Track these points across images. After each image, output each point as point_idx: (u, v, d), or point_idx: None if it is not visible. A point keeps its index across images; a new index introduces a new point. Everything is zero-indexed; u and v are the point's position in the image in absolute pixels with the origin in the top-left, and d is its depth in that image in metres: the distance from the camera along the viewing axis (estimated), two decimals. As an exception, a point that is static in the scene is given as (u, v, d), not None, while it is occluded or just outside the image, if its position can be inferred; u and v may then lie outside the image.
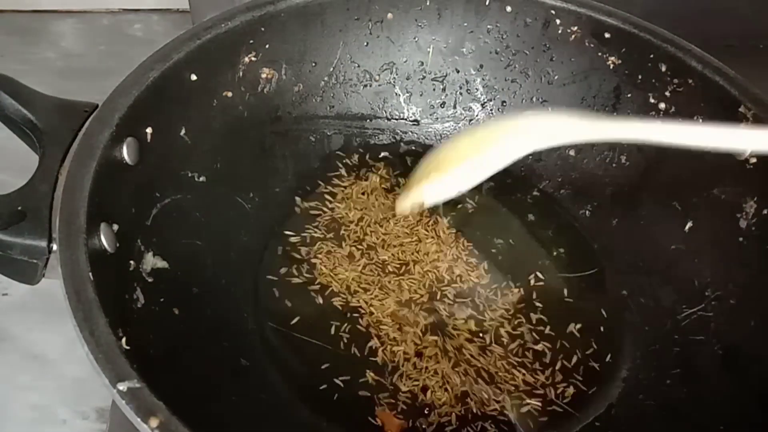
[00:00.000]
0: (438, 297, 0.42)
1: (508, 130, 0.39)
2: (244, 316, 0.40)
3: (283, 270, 0.43)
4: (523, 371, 0.39)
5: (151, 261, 0.35)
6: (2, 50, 0.63)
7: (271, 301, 0.41)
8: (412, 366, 0.39)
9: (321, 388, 0.38)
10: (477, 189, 0.48)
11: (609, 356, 0.40)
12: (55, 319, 0.45)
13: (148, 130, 0.36)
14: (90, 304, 0.27)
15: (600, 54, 0.45)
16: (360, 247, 0.44)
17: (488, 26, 0.47)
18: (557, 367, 0.39)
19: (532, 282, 0.43)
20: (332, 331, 0.40)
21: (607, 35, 0.44)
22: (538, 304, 0.42)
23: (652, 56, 0.43)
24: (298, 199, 0.46)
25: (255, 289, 0.41)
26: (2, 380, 0.42)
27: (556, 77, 0.47)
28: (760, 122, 0.38)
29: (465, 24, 0.47)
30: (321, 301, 0.41)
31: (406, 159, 0.50)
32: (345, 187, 0.48)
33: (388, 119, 0.50)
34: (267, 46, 0.43)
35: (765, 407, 0.35)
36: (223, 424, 0.33)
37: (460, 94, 0.50)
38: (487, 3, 0.46)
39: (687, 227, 0.43)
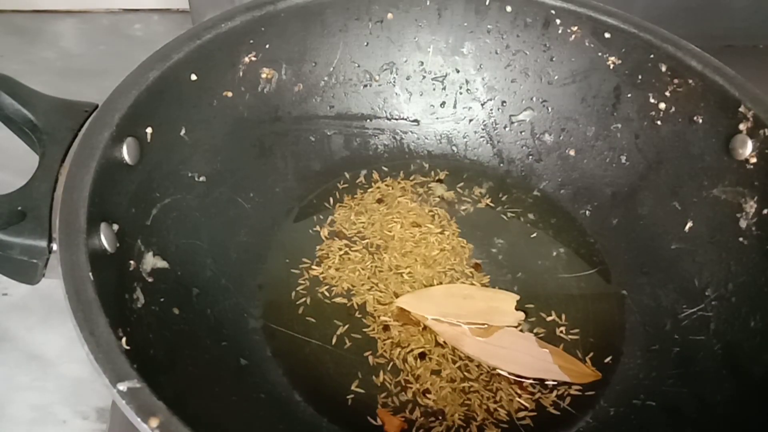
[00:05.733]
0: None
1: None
2: (244, 316, 0.40)
3: (283, 270, 0.43)
4: (523, 371, 0.39)
5: (151, 261, 0.35)
6: (2, 50, 0.63)
7: (272, 301, 0.41)
8: (414, 367, 0.39)
9: (321, 387, 0.38)
10: (477, 189, 0.48)
11: (609, 357, 0.40)
12: (55, 319, 0.45)
13: (148, 130, 0.36)
14: (90, 304, 0.27)
15: (600, 54, 0.45)
16: (363, 248, 0.44)
17: (488, 26, 0.47)
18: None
19: (532, 282, 0.43)
20: (334, 331, 0.40)
21: (607, 35, 0.44)
22: (537, 304, 0.42)
23: (652, 56, 0.43)
24: (299, 199, 0.46)
25: (255, 289, 0.41)
26: (2, 380, 0.42)
27: (556, 77, 0.47)
28: (760, 122, 0.38)
29: (465, 24, 0.47)
30: (323, 300, 0.41)
31: (407, 159, 0.50)
32: (348, 189, 0.48)
33: (388, 119, 0.50)
34: (267, 46, 0.43)
35: (766, 408, 0.35)
36: (223, 424, 0.33)
37: (460, 93, 0.50)
38: (487, 3, 0.46)
39: (687, 227, 0.43)
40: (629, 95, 0.45)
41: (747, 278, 0.39)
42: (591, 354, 0.40)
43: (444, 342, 0.40)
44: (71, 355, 0.43)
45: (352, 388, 0.38)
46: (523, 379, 0.39)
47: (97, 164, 0.31)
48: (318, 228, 0.45)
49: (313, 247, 0.44)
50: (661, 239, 0.44)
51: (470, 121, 0.50)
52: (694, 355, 0.39)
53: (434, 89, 0.50)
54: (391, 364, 0.39)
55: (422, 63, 0.49)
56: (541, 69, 0.47)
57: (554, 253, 0.45)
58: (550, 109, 0.48)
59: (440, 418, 0.37)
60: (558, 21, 0.45)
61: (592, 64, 0.46)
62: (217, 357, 0.36)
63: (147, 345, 0.32)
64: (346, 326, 0.40)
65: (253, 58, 0.42)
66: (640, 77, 0.44)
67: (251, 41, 0.42)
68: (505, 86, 0.49)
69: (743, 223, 0.39)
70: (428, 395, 0.38)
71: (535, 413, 0.38)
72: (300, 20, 0.44)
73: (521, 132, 0.49)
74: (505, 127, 0.50)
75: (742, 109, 0.39)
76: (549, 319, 0.42)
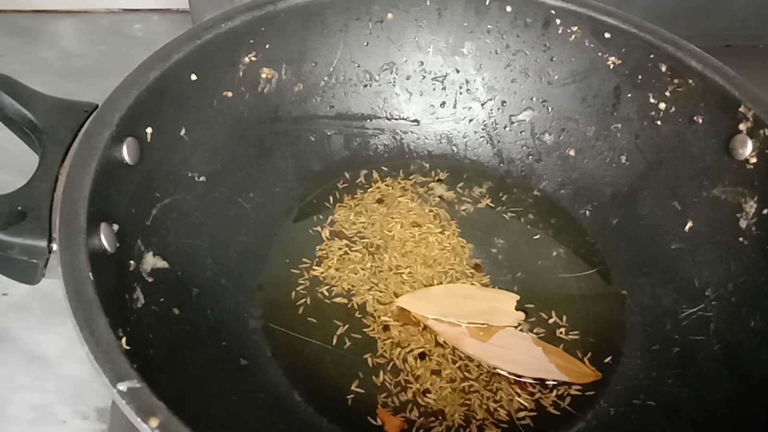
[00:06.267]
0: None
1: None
2: (244, 316, 0.40)
3: (283, 270, 0.43)
4: (523, 371, 0.39)
5: (151, 261, 0.35)
6: (2, 50, 0.63)
7: (272, 301, 0.41)
8: (414, 367, 0.39)
9: (321, 387, 0.38)
10: (477, 189, 0.48)
11: (609, 357, 0.40)
12: (55, 319, 0.45)
13: (148, 130, 0.36)
14: (90, 304, 0.27)
15: (600, 54, 0.45)
16: (363, 248, 0.44)
17: (488, 26, 0.47)
18: (557, 367, 0.39)
19: (532, 282, 0.43)
20: (334, 331, 0.40)
21: (607, 35, 0.44)
22: (537, 304, 0.42)
23: (652, 56, 0.43)
24: (299, 199, 0.46)
25: (255, 288, 0.41)
26: (2, 380, 0.42)
27: (556, 77, 0.47)
28: (760, 122, 0.38)
29: (465, 24, 0.47)
30: (323, 300, 0.41)
31: (407, 159, 0.50)
32: (348, 189, 0.48)
33: (388, 119, 0.50)
34: (267, 46, 0.43)
35: (766, 408, 0.35)
36: (223, 424, 0.33)
37: (460, 93, 0.50)
38: (487, 3, 0.46)
39: (687, 227, 0.43)
40: (629, 95, 0.45)
41: (747, 278, 0.39)
42: (591, 354, 0.40)
43: (444, 342, 0.40)
44: (71, 355, 0.43)
45: (352, 388, 0.38)
46: (523, 379, 0.39)
47: (97, 164, 0.31)
48: (318, 228, 0.45)
49: (313, 247, 0.44)
50: (661, 239, 0.44)
51: (470, 121, 0.50)
52: (694, 355, 0.39)
53: (434, 89, 0.50)
54: (391, 364, 0.39)
55: (422, 63, 0.49)
56: (541, 69, 0.47)
57: (554, 253, 0.45)
58: (550, 109, 0.48)
59: (440, 418, 0.37)
60: (558, 21, 0.45)
61: (592, 64, 0.46)
62: (217, 357, 0.36)
63: (147, 345, 0.32)
64: (346, 326, 0.40)
65: (253, 58, 0.42)
66: (640, 77, 0.44)
67: (251, 41, 0.42)
68: (505, 86, 0.49)
69: (743, 223, 0.39)
70: (428, 395, 0.38)
71: (535, 413, 0.38)
72: (300, 20, 0.44)
73: (521, 132, 0.49)
74: (505, 127, 0.50)
75: (742, 109, 0.39)
76: (549, 319, 0.42)
